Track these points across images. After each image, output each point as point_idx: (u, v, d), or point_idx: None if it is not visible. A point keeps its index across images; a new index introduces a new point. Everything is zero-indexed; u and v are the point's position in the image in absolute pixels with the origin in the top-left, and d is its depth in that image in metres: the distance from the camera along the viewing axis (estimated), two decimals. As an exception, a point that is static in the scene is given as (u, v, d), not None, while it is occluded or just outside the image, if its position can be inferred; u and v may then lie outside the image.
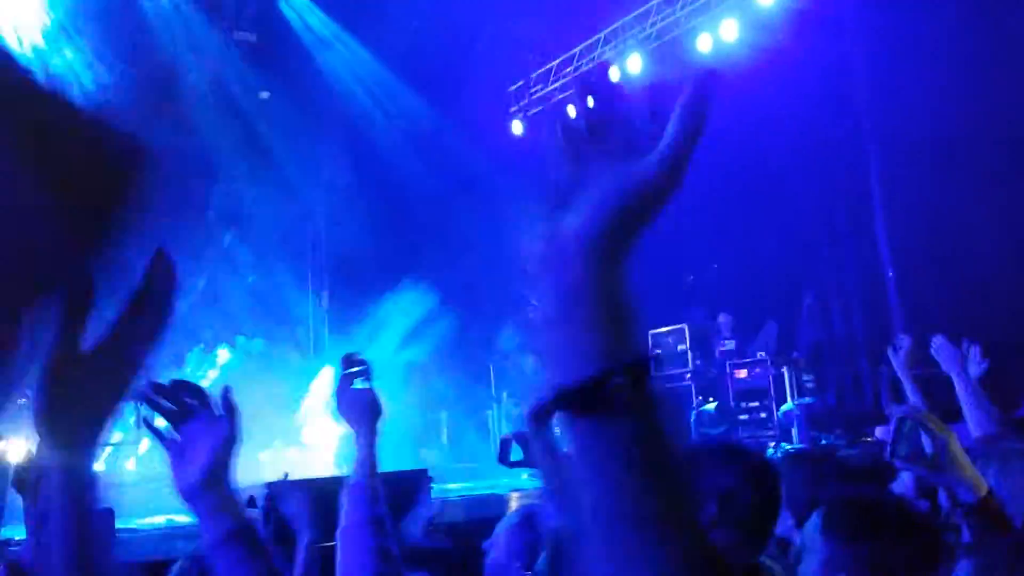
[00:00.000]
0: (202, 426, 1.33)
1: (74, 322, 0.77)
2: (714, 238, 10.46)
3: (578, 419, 0.67)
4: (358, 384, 1.89)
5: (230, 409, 1.34)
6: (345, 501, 1.72)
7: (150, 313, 0.85)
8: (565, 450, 0.70)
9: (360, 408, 1.83)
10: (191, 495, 1.34)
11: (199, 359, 9.46)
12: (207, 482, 1.33)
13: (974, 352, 3.20)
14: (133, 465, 8.41)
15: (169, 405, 1.33)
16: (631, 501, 0.66)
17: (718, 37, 10.07)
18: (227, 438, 1.33)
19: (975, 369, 3.18)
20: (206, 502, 1.34)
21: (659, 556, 0.65)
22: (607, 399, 0.66)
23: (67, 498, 0.84)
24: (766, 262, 9.94)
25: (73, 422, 0.82)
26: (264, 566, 1.38)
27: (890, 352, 3.24)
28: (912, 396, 3.09)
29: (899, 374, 3.20)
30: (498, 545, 2.41)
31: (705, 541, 0.68)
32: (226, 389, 1.36)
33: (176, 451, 1.34)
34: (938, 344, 3.17)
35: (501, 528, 2.46)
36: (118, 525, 5.17)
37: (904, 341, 3.26)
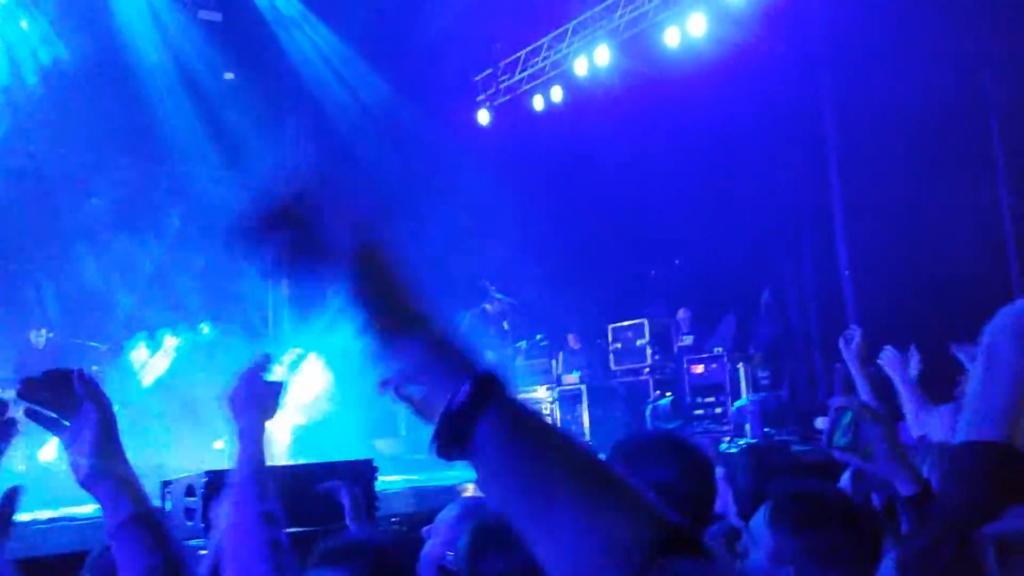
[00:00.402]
0: (83, 413, 1.32)
1: None
2: (676, 234, 10.52)
3: (460, 453, 0.78)
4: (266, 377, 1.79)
5: (89, 393, 1.33)
6: (229, 500, 1.65)
7: None
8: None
9: (247, 401, 1.75)
10: (87, 483, 1.33)
11: (147, 345, 9.28)
12: (99, 468, 1.31)
13: (912, 353, 3.27)
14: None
15: (44, 399, 1.33)
16: (540, 481, 0.75)
17: (686, 31, 10.10)
18: (100, 421, 1.32)
19: (913, 370, 3.26)
20: (103, 489, 1.32)
21: (593, 525, 0.72)
22: (463, 435, 0.77)
23: None
24: (726, 259, 10.03)
25: None
26: (165, 553, 1.33)
27: (841, 343, 3.27)
28: (862, 389, 3.13)
29: (849, 365, 3.24)
30: (437, 534, 2.38)
31: (623, 498, 0.75)
32: (79, 373, 1.34)
33: (67, 440, 1.33)
34: (885, 354, 3.24)
35: (441, 518, 2.43)
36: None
37: (855, 333, 3.29)
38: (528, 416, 0.78)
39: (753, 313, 9.62)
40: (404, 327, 0.83)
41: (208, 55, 10.64)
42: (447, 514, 2.40)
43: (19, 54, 9.41)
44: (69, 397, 1.32)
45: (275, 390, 1.78)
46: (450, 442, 0.78)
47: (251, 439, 1.70)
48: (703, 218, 10.16)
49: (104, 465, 1.31)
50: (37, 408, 1.33)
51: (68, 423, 1.33)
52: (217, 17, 10.76)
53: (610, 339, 10.05)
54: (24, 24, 9.40)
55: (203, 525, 3.95)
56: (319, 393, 9.70)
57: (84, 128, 9.78)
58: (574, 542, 0.72)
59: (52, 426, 1.34)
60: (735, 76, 9.66)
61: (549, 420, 0.82)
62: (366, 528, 3.40)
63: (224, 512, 1.71)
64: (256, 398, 1.74)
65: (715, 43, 9.89)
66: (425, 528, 2.49)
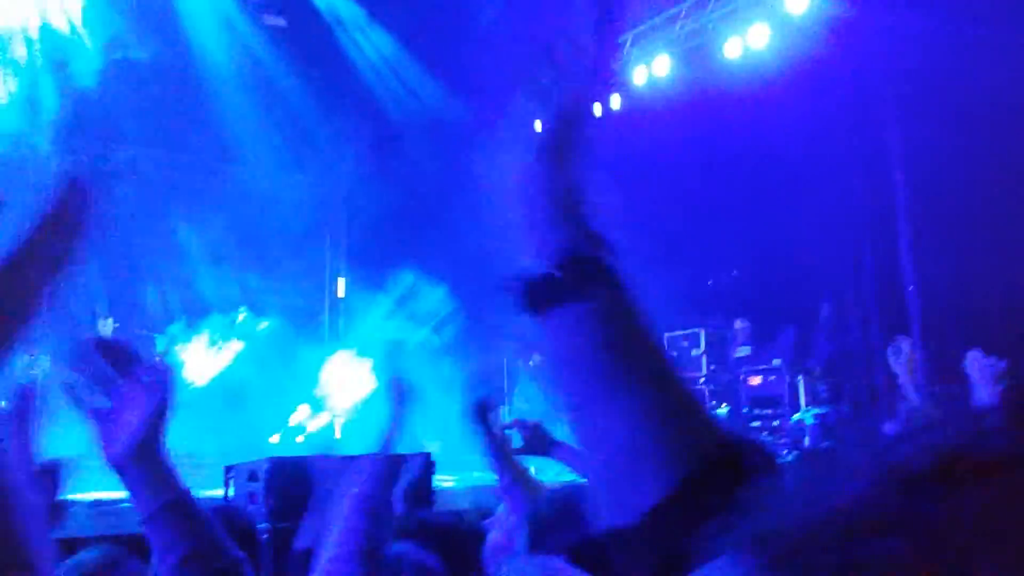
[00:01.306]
0: (133, 391, 1.25)
1: None
2: (734, 245, 10.38)
3: (545, 311, 0.74)
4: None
5: (167, 373, 1.29)
6: (351, 477, 1.73)
7: (61, 237, 0.83)
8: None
9: (394, 395, 1.88)
10: (121, 465, 1.27)
11: (208, 338, 9.41)
12: (139, 451, 1.26)
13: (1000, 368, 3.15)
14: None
15: (102, 367, 1.25)
16: (609, 371, 0.72)
17: (747, 43, 10.03)
18: (160, 403, 1.27)
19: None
20: (139, 473, 1.27)
21: (642, 411, 0.71)
22: (558, 289, 0.73)
23: None
24: (786, 271, 9.85)
25: None
26: (203, 538, 1.31)
27: (889, 354, 3.18)
28: (913, 396, 3.03)
29: (899, 375, 3.14)
30: (499, 525, 2.39)
31: (685, 396, 0.74)
32: (164, 353, 1.33)
33: (103, 418, 1.26)
34: (973, 358, 3.12)
35: (503, 510, 2.45)
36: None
37: (903, 343, 3.21)
38: (625, 312, 0.76)
39: (812, 326, 9.43)
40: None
41: (272, 58, 10.84)
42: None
43: (87, 53, 9.64)
44: (122, 376, 1.26)
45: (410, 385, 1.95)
46: (540, 297, 0.75)
47: (392, 429, 1.81)
48: (762, 229, 10.01)
49: (143, 450, 1.26)
50: (83, 378, 1.26)
51: (109, 399, 1.26)
52: (281, 22, 10.97)
53: (665, 346, 9.93)
54: (99, 31, 9.64)
55: (264, 509, 3.96)
56: (366, 393, 9.77)
57: (145, 125, 10.03)
58: (627, 438, 0.70)
59: (85, 403, 1.27)
60: (797, 87, 9.54)
61: (643, 322, 0.77)
62: (435, 511, 3.45)
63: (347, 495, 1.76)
64: (402, 392, 1.88)
65: (777, 54, 9.80)
66: (487, 520, 2.52)
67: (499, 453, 2.60)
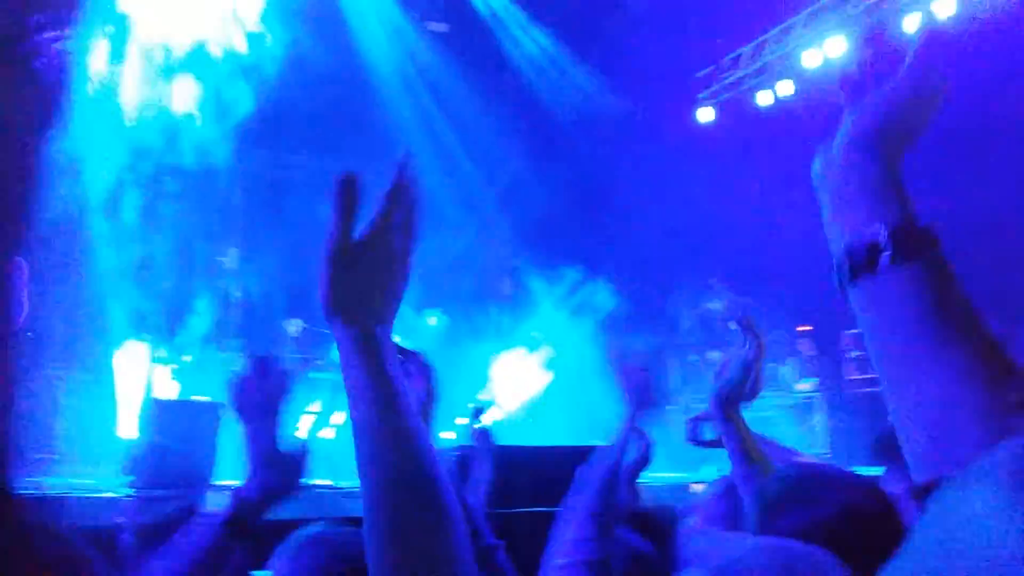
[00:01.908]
0: (412, 378, 1.50)
1: (345, 214, 0.94)
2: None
3: (867, 278, 0.80)
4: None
5: (428, 361, 1.54)
6: (579, 480, 1.76)
7: (403, 207, 0.98)
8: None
9: (635, 387, 1.88)
10: None
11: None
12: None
13: None
14: (332, 434, 8.55)
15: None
16: (935, 331, 0.76)
17: (931, 14, 9.29)
18: (434, 385, 1.52)
19: None
20: None
21: (955, 370, 0.73)
22: (879, 259, 0.79)
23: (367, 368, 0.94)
24: (981, 262, 9.01)
25: (361, 302, 0.96)
26: (468, 520, 1.46)
27: None
28: None
29: None
30: (697, 512, 2.36)
31: (1001, 356, 0.74)
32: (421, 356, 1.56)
33: None
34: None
35: (703, 496, 2.40)
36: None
37: None
38: (949, 276, 0.79)
39: (1015, 323, 8.57)
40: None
41: (436, 62, 11.16)
42: (708, 492, 2.36)
43: (265, 62, 10.19)
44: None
45: (651, 380, 1.90)
46: (860, 268, 0.80)
47: (627, 427, 1.81)
48: (955, 216, 9.18)
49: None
50: None
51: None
52: (444, 28, 11.25)
53: (846, 346, 9.37)
54: (268, 38, 10.17)
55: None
56: (536, 391, 9.82)
57: (318, 132, 10.54)
58: (946, 395, 0.73)
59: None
60: (992, 58, 8.73)
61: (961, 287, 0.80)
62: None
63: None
64: (642, 386, 1.86)
65: (966, 25, 9.03)
66: (682, 508, 2.50)
67: (740, 442, 2.54)
